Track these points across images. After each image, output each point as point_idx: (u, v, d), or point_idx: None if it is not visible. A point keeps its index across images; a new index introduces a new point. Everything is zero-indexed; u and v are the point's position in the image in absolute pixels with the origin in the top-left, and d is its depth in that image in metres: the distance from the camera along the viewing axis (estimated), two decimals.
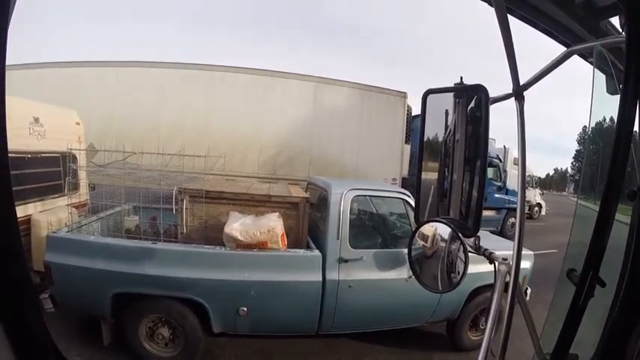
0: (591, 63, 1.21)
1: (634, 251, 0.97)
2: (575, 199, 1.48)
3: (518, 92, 1.25)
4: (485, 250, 1.28)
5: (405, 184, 9.87)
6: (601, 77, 1.15)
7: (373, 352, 4.19)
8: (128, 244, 3.61)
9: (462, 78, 1.24)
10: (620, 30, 1.07)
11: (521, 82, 1.24)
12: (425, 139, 1.37)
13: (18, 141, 4.02)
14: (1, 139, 0.77)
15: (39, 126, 4.49)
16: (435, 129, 1.39)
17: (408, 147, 10.59)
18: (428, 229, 1.31)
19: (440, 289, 1.34)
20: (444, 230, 1.25)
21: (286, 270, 3.55)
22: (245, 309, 3.43)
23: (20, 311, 0.86)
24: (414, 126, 10.57)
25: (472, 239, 1.27)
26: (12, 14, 0.77)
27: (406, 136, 10.50)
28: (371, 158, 10.03)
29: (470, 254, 1.18)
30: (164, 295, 3.42)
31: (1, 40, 0.73)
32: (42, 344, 0.94)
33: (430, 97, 1.31)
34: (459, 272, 1.22)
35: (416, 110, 10.67)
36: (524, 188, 1.26)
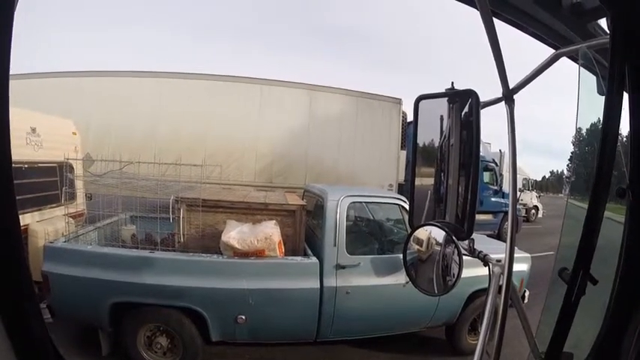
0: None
1: (626, 249, 0.98)
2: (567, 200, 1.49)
3: (507, 96, 1.26)
4: (480, 252, 1.28)
5: (401, 189, 9.87)
6: (588, 78, 1.17)
7: (372, 358, 4.18)
8: (125, 253, 3.60)
9: (452, 83, 1.25)
10: (608, 31, 1.09)
11: (511, 86, 1.25)
12: (419, 145, 1.38)
13: (15, 151, 3.95)
14: (5, 149, 0.79)
15: (36, 136, 4.50)
16: (428, 134, 1.39)
17: (403, 153, 10.61)
18: (422, 233, 1.31)
19: (435, 292, 1.34)
20: (438, 234, 1.26)
21: (284, 277, 3.55)
22: (243, 317, 3.42)
23: (22, 316, 0.88)
24: (409, 132, 10.59)
25: (467, 242, 1.28)
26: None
27: (402, 142, 10.53)
28: (367, 165, 10.02)
29: (465, 257, 1.18)
30: (162, 304, 3.41)
31: (4, 52, 0.74)
32: (43, 349, 0.96)
33: (422, 102, 1.31)
34: (453, 275, 1.21)
35: (411, 117, 10.68)
36: (515, 190, 1.27)
